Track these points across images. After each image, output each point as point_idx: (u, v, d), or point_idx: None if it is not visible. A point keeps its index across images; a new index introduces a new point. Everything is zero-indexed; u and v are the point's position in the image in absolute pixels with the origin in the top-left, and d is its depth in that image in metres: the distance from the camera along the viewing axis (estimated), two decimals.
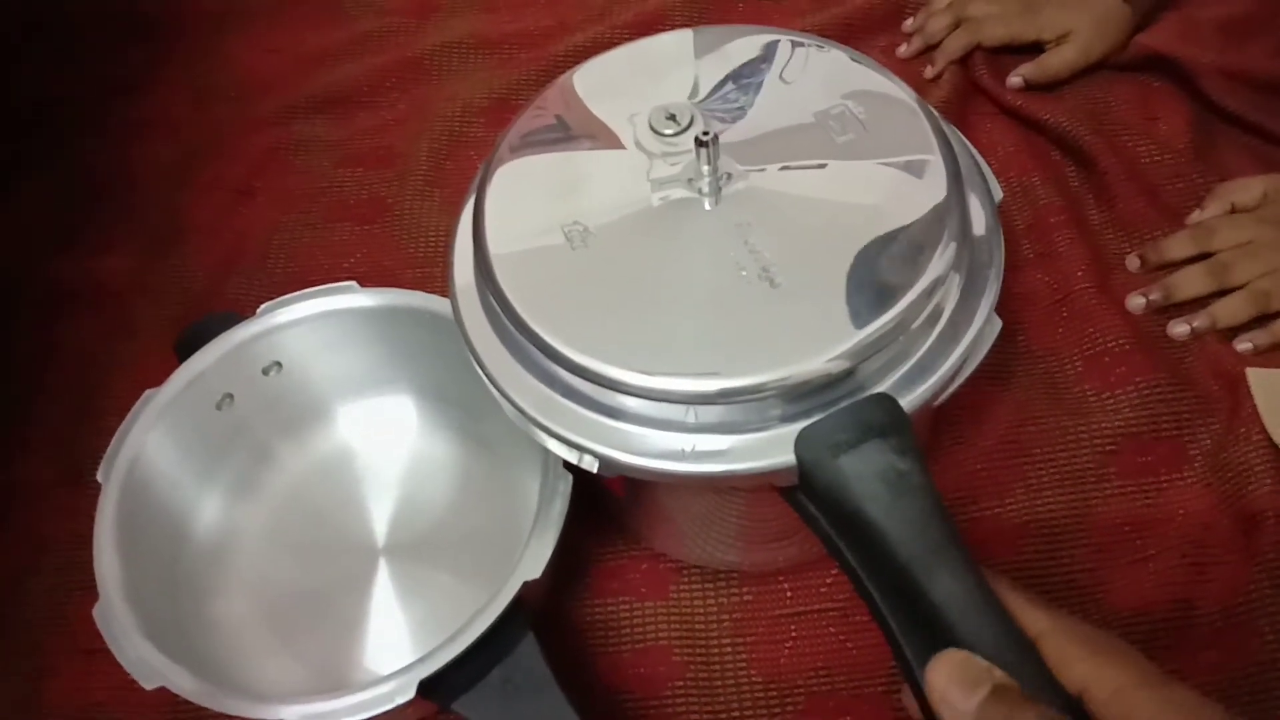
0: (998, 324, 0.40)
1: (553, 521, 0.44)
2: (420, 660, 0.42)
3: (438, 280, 0.65)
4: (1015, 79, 0.69)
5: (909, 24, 0.74)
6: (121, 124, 0.76)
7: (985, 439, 0.55)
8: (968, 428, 0.55)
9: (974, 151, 0.44)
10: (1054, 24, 0.69)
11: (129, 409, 0.51)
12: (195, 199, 0.71)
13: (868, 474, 0.35)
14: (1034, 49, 0.70)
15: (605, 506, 0.53)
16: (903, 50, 0.73)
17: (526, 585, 0.43)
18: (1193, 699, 0.31)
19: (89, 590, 0.46)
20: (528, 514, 0.50)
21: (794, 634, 0.50)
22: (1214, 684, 0.47)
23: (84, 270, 0.67)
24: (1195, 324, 0.57)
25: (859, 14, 0.75)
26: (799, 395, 0.37)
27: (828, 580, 0.51)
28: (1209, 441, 0.54)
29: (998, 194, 0.43)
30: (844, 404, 0.37)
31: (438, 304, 0.51)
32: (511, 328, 0.40)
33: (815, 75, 0.44)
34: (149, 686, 0.43)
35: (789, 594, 0.51)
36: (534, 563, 0.43)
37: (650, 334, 0.38)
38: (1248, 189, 0.60)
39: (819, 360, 0.36)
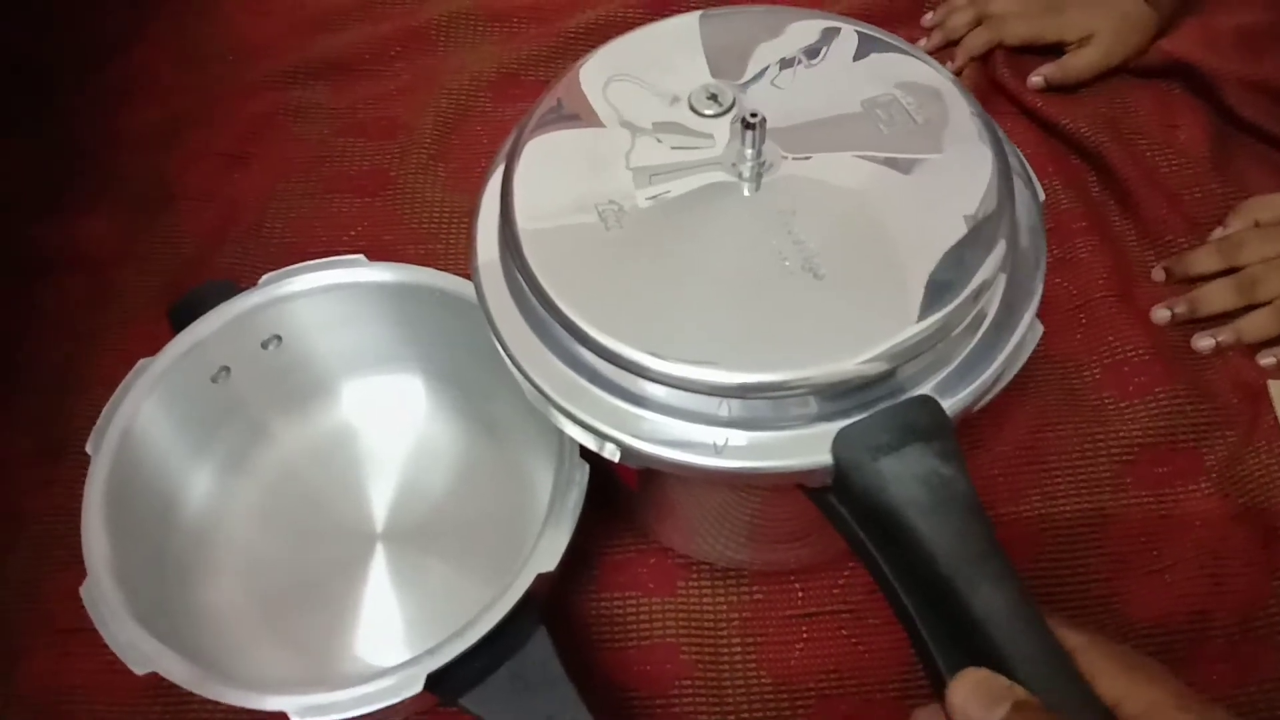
0: (1039, 329, 0.39)
1: (568, 512, 0.43)
2: (429, 652, 0.40)
3: (441, 257, 0.63)
4: (1036, 79, 0.68)
5: (929, 19, 0.73)
6: (108, 85, 0.73)
7: (1003, 444, 0.54)
8: (986, 431, 0.54)
9: (1018, 151, 0.43)
10: (1077, 25, 0.68)
11: (115, 380, 0.48)
12: (185, 164, 0.69)
13: (909, 478, 0.34)
14: (1055, 50, 0.69)
15: (614, 498, 0.51)
16: (922, 45, 0.71)
17: (540, 578, 0.41)
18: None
19: (68, 567, 0.44)
20: (534, 504, 0.49)
21: (805, 635, 0.49)
22: (1230, 698, 0.47)
23: (67, 236, 0.65)
24: (1220, 338, 0.56)
25: (879, 6, 0.73)
26: (839, 393, 0.35)
27: (840, 581, 0.50)
28: (1226, 453, 0.54)
29: (1041, 194, 0.42)
30: (885, 405, 0.35)
31: (450, 282, 0.49)
32: (538, 306, 0.38)
33: (860, 61, 0.42)
34: (140, 671, 0.40)
35: (800, 594, 0.50)
36: (548, 555, 0.42)
37: (686, 320, 0.36)
38: (1271, 205, 0.59)
39: (863, 358, 0.35)
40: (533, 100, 0.71)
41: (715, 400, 0.36)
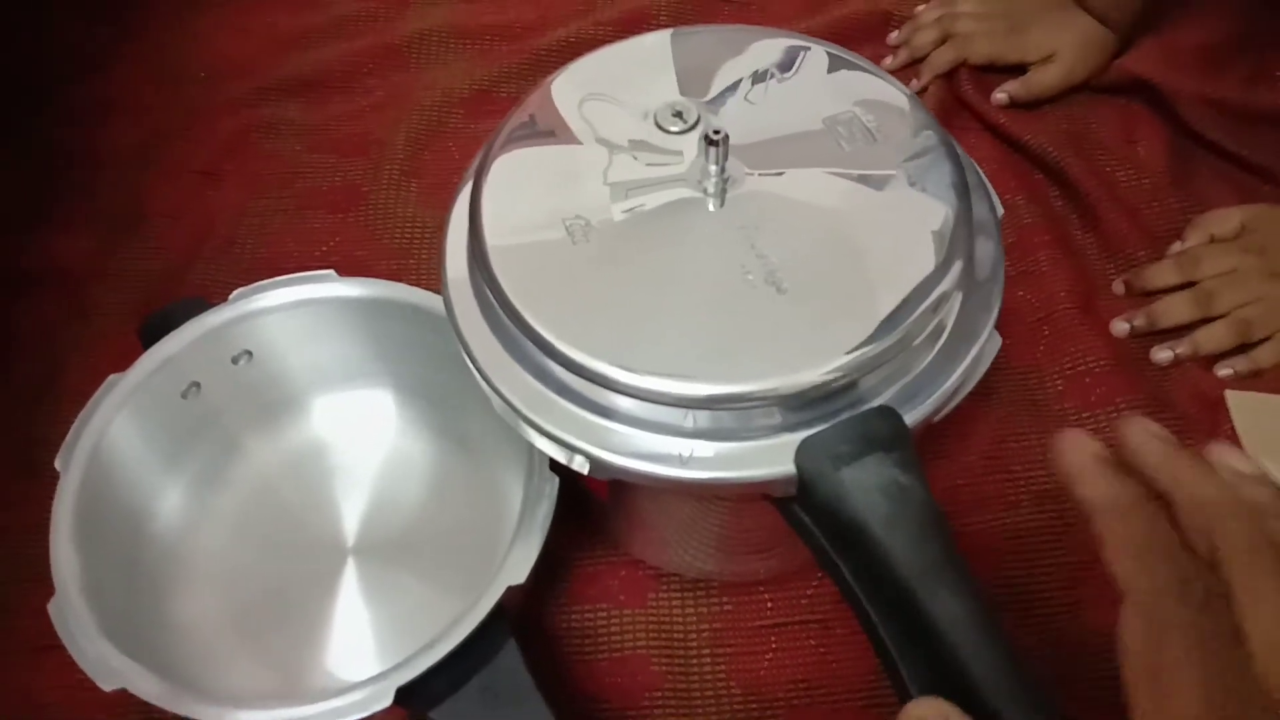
0: (998, 341, 0.40)
1: (538, 525, 0.43)
2: (398, 666, 0.40)
3: (413, 272, 0.64)
4: (1000, 95, 0.69)
5: (894, 37, 0.74)
6: (85, 103, 0.73)
7: (968, 454, 0.55)
8: (950, 442, 0.55)
9: (976, 166, 0.44)
10: (1039, 45, 0.69)
11: (85, 396, 0.48)
12: (160, 181, 0.69)
13: (870, 487, 0.34)
14: (1018, 69, 0.70)
15: (585, 510, 0.52)
16: (889, 62, 0.72)
17: (510, 591, 0.41)
18: None
19: (39, 584, 0.43)
20: (506, 518, 0.49)
21: (774, 645, 0.50)
22: None
23: (42, 252, 0.65)
24: (1179, 350, 0.58)
25: (845, 23, 0.74)
26: (801, 404, 0.36)
27: (808, 591, 0.51)
28: None
29: (999, 209, 0.43)
30: (846, 415, 0.36)
31: (420, 296, 0.50)
32: (506, 321, 0.39)
33: (821, 80, 0.43)
34: (108, 688, 0.40)
35: (769, 605, 0.51)
36: (518, 567, 0.42)
37: (652, 333, 0.37)
38: (1226, 220, 0.61)
39: (825, 369, 0.35)
40: (505, 117, 0.72)
41: (681, 412, 0.37)
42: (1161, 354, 0.58)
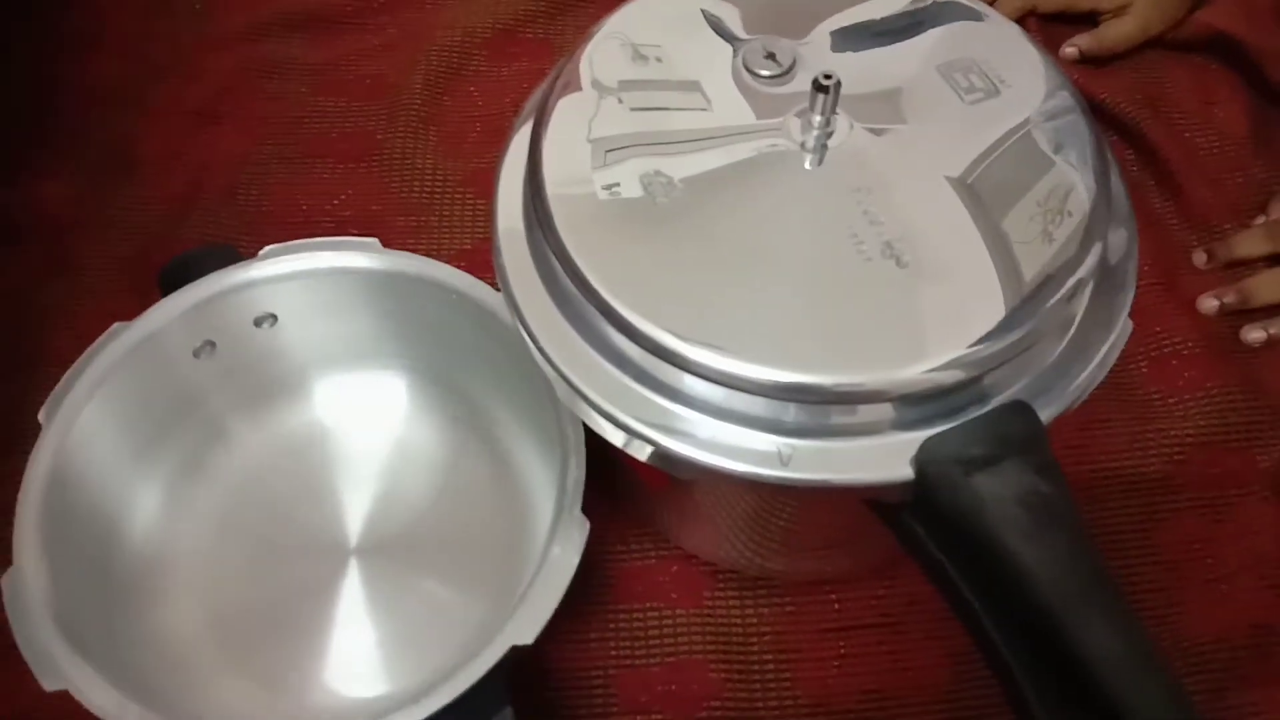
0: (1130, 328, 0.35)
1: (559, 577, 0.36)
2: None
3: (433, 229, 0.58)
4: (1070, 49, 0.64)
5: None
6: (66, 35, 0.66)
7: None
8: None
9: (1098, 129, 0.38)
10: None
11: (70, 358, 0.42)
12: (149, 123, 0.63)
13: (1006, 497, 0.30)
14: (1089, 19, 0.65)
15: (629, 497, 0.47)
16: None
17: (513, 651, 0.35)
18: None
19: None
20: (526, 517, 0.45)
21: (842, 651, 0.45)
22: None
23: (21, 199, 0.58)
24: (1273, 330, 0.53)
25: None
26: (923, 399, 0.31)
27: (879, 592, 0.46)
28: None
29: (1122, 177, 0.38)
30: (974, 413, 0.31)
31: (470, 284, 0.44)
32: (569, 283, 0.33)
33: (930, 21, 0.38)
34: (49, 687, 0.35)
35: (837, 606, 0.46)
36: (527, 624, 0.35)
37: (744, 308, 0.32)
38: None
39: (956, 358, 0.31)
40: (532, 61, 0.66)
41: (779, 404, 0.32)
42: (1254, 334, 0.54)
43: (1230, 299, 0.54)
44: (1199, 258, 0.56)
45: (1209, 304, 0.54)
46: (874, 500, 0.34)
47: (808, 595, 0.46)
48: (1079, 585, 0.29)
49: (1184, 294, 0.55)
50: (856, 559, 0.46)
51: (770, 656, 0.45)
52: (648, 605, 0.46)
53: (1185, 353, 0.53)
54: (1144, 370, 0.53)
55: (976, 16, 0.38)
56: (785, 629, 0.46)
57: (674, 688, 0.44)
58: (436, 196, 0.60)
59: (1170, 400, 0.52)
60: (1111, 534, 0.48)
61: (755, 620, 0.46)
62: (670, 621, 0.46)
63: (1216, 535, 0.48)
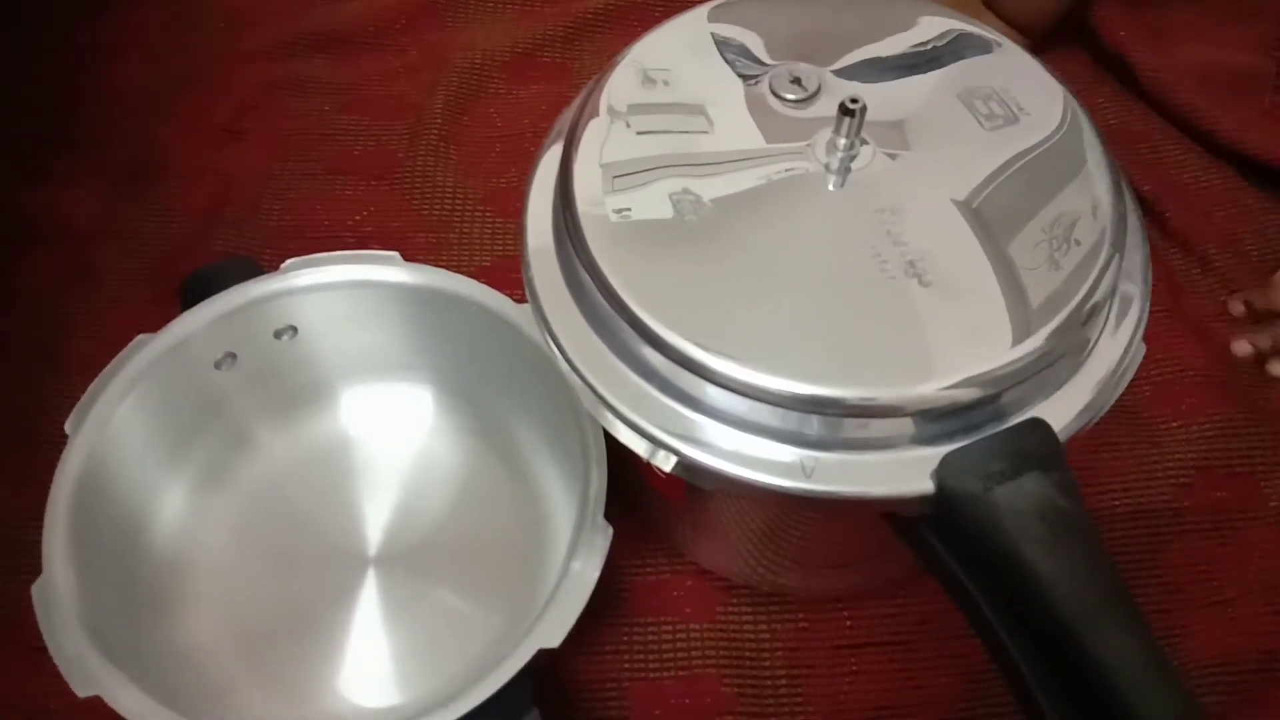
0: (1143, 350, 0.36)
1: (584, 582, 0.37)
2: None
3: (454, 246, 0.59)
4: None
5: None
6: (91, 46, 0.67)
7: None
8: None
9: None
10: None
11: (95, 366, 0.43)
12: (175, 135, 0.64)
13: (1025, 511, 0.30)
14: None
15: (645, 512, 0.47)
16: None
17: (540, 654, 0.36)
18: None
19: (38, 576, 0.39)
20: (546, 531, 0.45)
21: (854, 668, 0.46)
22: None
23: (47, 206, 0.59)
24: None
25: None
26: (944, 414, 0.32)
27: (891, 610, 0.47)
28: None
29: (1135, 200, 0.39)
30: (993, 429, 0.32)
31: (491, 297, 0.44)
32: (598, 296, 0.34)
33: (952, 51, 0.39)
34: (82, 694, 0.35)
35: (849, 623, 0.47)
36: (554, 628, 0.36)
37: (771, 323, 0.33)
38: None
39: (978, 375, 0.31)
40: (549, 84, 0.68)
41: (801, 416, 0.32)
42: None
43: (1263, 343, 0.55)
44: (1236, 308, 0.56)
45: (1243, 349, 0.55)
46: (891, 514, 0.34)
47: (820, 612, 0.47)
48: (1097, 598, 0.30)
49: (1185, 320, 0.56)
50: (869, 576, 0.47)
51: (783, 672, 0.46)
52: (662, 619, 0.47)
53: (1188, 379, 0.54)
54: (1148, 394, 0.54)
55: (995, 48, 0.39)
56: (798, 645, 0.46)
57: (687, 701, 0.45)
58: (456, 214, 0.61)
59: (1174, 425, 0.53)
60: (1117, 555, 0.49)
61: (768, 635, 0.46)
62: (684, 635, 0.46)
63: (1222, 559, 0.49)
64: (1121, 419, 0.53)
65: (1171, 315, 0.56)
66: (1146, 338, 0.50)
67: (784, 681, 0.45)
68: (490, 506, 0.47)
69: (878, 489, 0.32)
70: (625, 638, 0.46)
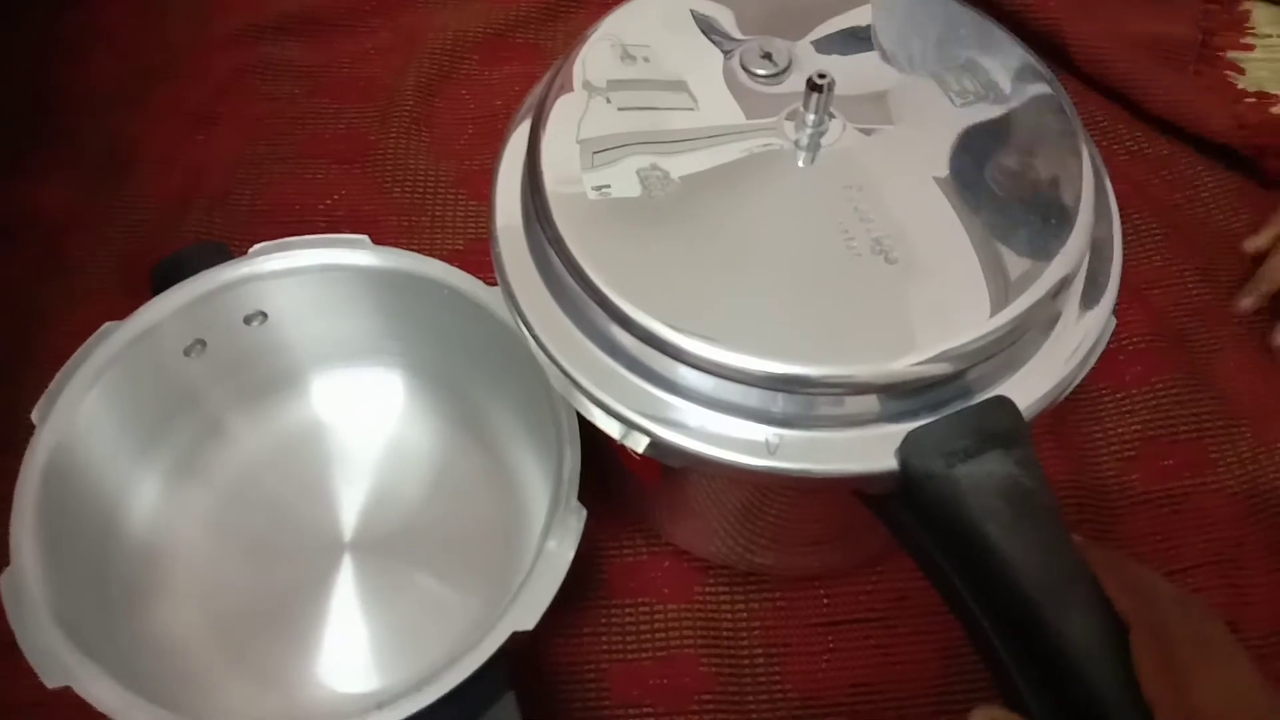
0: (1113, 323, 0.36)
1: (558, 564, 0.37)
2: (379, 708, 0.35)
3: (425, 229, 0.59)
4: None
5: None
6: (60, 36, 0.66)
7: None
8: None
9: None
10: None
11: (62, 358, 0.43)
12: (146, 124, 0.63)
13: (988, 489, 0.30)
14: None
15: (622, 494, 0.47)
16: None
17: (515, 637, 0.36)
18: None
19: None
20: (522, 514, 0.45)
21: (831, 645, 0.46)
22: None
23: (16, 200, 0.58)
24: None
25: None
26: (909, 392, 0.32)
27: (867, 587, 0.47)
28: (1230, 448, 0.51)
29: (1105, 174, 0.39)
30: (958, 406, 0.32)
31: (461, 279, 0.44)
32: (567, 276, 0.34)
33: (926, 26, 0.39)
34: (51, 684, 0.35)
35: (826, 600, 0.47)
36: (528, 610, 0.36)
37: (738, 301, 0.32)
38: None
39: (943, 353, 0.31)
40: (523, 64, 0.67)
41: (768, 394, 0.32)
42: None
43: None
44: (1247, 303, 0.56)
45: (1246, 302, 0.55)
46: (864, 492, 0.34)
47: (797, 590, 0.47)
48: (1057, 576, 0.29)
49: (1126, 287, 0.56)
50: (845, 555, 0.47)
51: (760, 651, 0.46)
52: (640, 600, 0.47)
53: (1131, 348, 0.54)
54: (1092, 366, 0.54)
55: (971, 20, 0.39)
56: (775, 623, 0.46)
57: (665, 681, 0.45)
58: (429, 197, 0.60)
59: (1118, 395, 0.53)
60: (1072, 527, 0.49)
61: (745, 615, 0.46)
62: (662, 616, 0.46)
63: (1175, 527, 0.49)
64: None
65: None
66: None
67: (761, 660, 0.45)
68: (466, 490, 0.47)
69: (842, 466, 0.32)
70: (603, 620, 0.46)
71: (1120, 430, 0.52)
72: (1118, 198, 0.57)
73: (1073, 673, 0.29)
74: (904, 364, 0.31)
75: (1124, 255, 0.56)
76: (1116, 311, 0.36)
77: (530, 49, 0.67)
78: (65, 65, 0.65)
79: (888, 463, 0.31)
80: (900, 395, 0.32)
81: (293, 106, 0.64)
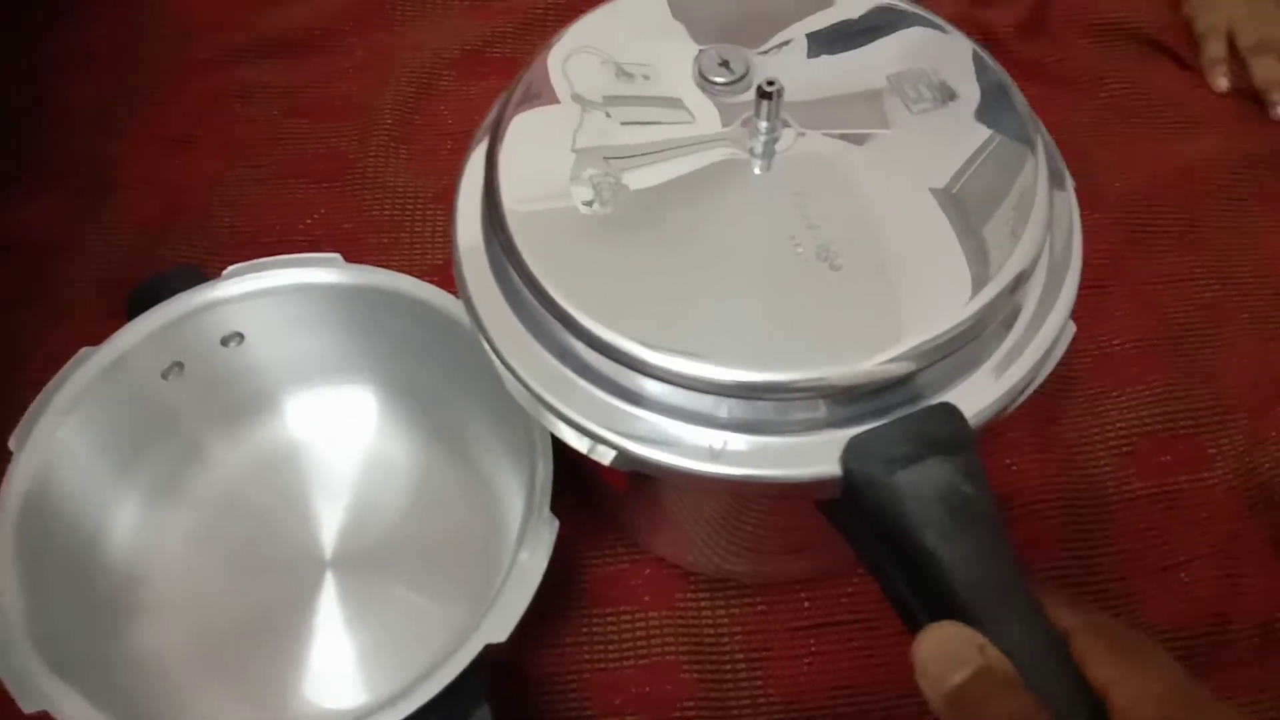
0: (1072, 329, 0.36)
1: (530, 575, 0.37)
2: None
3: (405, 246, 0.59)
4: None
5: None
6: (41, 61, 0.67)
7: (1013, 431, 0.51)
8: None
9: (1046, 133, 0.39)
10: None
11: (40, 383, 0.43)
12: (126, 146, 0.63)
13: (928, 496, 0.30)
14: None
15: (602, 504, 0.48)
16: None
17: (488, 649, 0.36)
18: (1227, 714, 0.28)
19: None
20: (500, 525, 0.45)
21: (813, 648, 0.46)
22: (1256, 704, 0.44)
23: (2, 221, 0.59)
24: None
25: None
26: (852, 398, 0.32)
27: (849, 590, 0.47)
28: (1228, 443, 0.52)
29: (1069, 178, 0.39)
30: (901, 412, 0.32)
31: (433, 294, 0.45)
32: (526, 292, 0.34)
33: (885, 33, 0.39)
34: (27, 709, 0.35)
35: (807, 604, 0.47)
36: (500, 623, 0.36)
37: (686, 310, 0.33)
38: None
39: (882, 359, 0.31)
40: (500, 79, 0.67)
41: (714, 399, 0.32)
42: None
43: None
44: (1222, 84, 0.63)
45: (1222, 83, 0.62)
46: (811, 498, 0.34)
47: (778, 595, 0.47)
48: (993, 587, 0.29)
49: (1125, 289, 0.56)
50: (820, 561, 0.47)
51: (742, 656, 0.46)
52: (621, 609, 0.47)
53: (1131, 347, 0.54)
54: (1088, 365, 0.54)
55: (931, 26, 0.39)
56: (756, 629, 0.46)
57: (647, 689, 0.45)
58: (408, 214, 0.60)
59: (1115, 394, 0.53)
60: (1070, 523, 0.49)
61: (726, 621, 0.47)
62: (643, 624, 0.46)
63: (1171, 523, 0.49)
64: (1062, 392, 0.53)
65: (1109, 286, 0.57)
66: (1076, 315, 0.50)
67: (743, 665, 0.46)
68: (444, 503, 0.48)
69: (786, 471, 0.32)
70: (584, 629, 0.46)
71: (1119, 426, 0.52)
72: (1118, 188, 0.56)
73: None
74: (843, 369, 0.31)
75: (1123, 255, 0.57)
76: (1078, 316, 0.36)
77: (507, 63, 0.67)
78: (43, 88, 0.65)
79: (830, 468, 0.31)
80: (844, 401, 0.32)
81: (271, 127, 0.64)
